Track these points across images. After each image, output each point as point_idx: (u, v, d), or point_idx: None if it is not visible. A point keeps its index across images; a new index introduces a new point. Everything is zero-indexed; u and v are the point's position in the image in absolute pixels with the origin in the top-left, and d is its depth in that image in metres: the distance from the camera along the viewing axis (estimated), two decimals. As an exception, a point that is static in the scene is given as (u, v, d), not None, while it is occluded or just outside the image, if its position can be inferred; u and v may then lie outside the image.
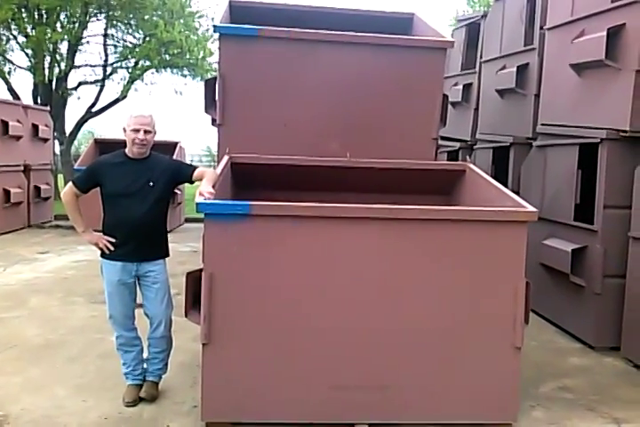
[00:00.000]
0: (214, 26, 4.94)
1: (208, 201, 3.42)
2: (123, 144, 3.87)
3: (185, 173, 3.87)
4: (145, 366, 4.02)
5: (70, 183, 3.84)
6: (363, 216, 3.44)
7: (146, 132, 3.73)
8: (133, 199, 3.72)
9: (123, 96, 17.25)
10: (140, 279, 3.85)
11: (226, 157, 4.51)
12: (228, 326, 3.46)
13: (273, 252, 3.46)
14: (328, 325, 3.51)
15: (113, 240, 3.74)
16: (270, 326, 3.49)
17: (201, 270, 3.48)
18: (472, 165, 4.74)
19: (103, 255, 3.80)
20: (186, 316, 3.67)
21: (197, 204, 3.37)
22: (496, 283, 3.54)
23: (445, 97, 5.28)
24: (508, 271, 3.54)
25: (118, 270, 3.76)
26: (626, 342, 4.95)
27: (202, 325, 3.44)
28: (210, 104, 5.20)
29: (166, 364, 4.08)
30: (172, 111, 22.41)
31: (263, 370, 3.50)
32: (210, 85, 5.19)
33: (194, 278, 3.58)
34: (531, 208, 3.58)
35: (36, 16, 15.15)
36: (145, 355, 4.04)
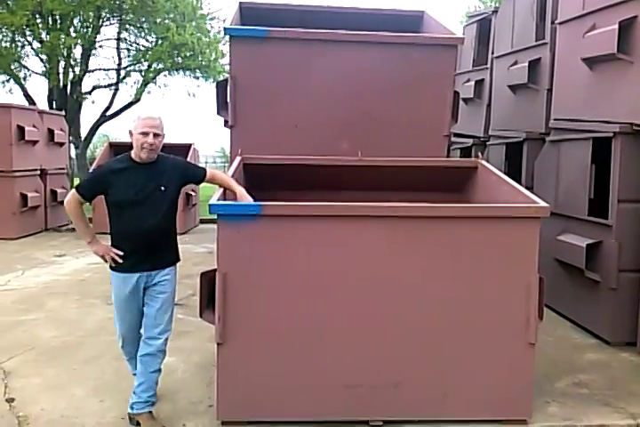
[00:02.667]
0: (224, 28, 4.98)
1: (220, 202, 3.45)
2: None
3: (196, 175, 3.71)
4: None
5: (73, 191, 3.55)
6: (374, 215, 3.45)
7: (155, 135, 3.45)
8: (144, 207, 3.46)
9: (136, 99, 17.41)
10: (146, 289, 3.60)
11: (238, 158, 4.54)
12: (243, 325, 3.49)
13: (285, 251, 3.49)
14: (341, 323, 3.52)
15: (121, 253, 3.49)
16: (284, 325, 3.51)
17: (215, 271, 3.51)
18: (484, 162, 4.72)
19: (112, 267, 3.57)
20: (200, 316, 3.69)
21: (210, 205, 3.41)
22: (509, 279, 3.54)
23: (457, 94, 5.28)
24: (520, 267, 3.54)
25: (129, 283, 3.52)
26: (643, 338, 4.91)
27: (216, 324, 3.47)
28: (222, 106, 5.23)
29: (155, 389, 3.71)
30: (185, 113, 22.48)
31: (278, 369, 3.52)
32: (221, 87, 5.22)
33: (208, 279, 3.61)
34: (543, 204, 3.57)
35: (50, 22, 15.35)
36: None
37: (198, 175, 3.74)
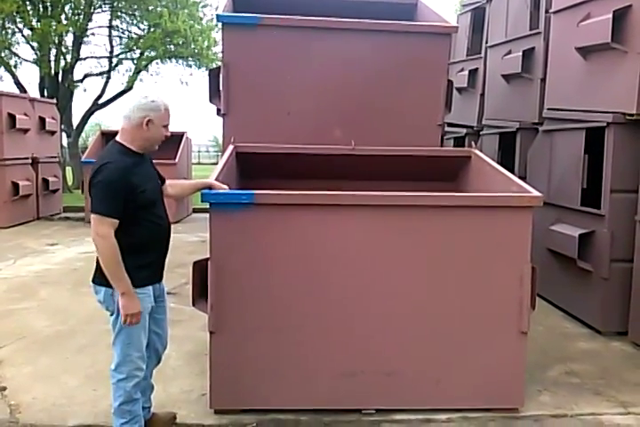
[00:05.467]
0: (217, 15, 4.94)
1: (212, 191, 3.43)
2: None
3: (161, 176, 3.30)
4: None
5: (107, 221, 2.83)
6: (367, 204, 3.45)
7: None
8: (159, 204, 3.14)
9: (129, 87, 17.29)
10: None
11: (230, 147, 4.52)
12: (235, 314, 3.49)
13: (278, 240, 3.48)
14: (334, 311, 3.53)
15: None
16: (276, 314, 3.51)
17: (207, 259, 3.50)
18: (477, 151, 4.72)
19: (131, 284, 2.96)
20: (193, 305, 3.68)
21: (202, 193, 3.39)
22: (502, 268, 3.54)
23: (450, 83, 5.26)
24: (513, 256, 3.54)
25: (150, 296, 3.08)
26: (633, 327, 4.94)
27: (209, 313, 3.47)
28: (214, 94, 5.19)
29: None
30: (177, 102, 22.35)
31: (270, 357, 3.53)
32: (214, 75, 5.18)
33: (200, 267, 3.59)
34: (536, 193, 3.57)
35: (41, 9, 15.18)
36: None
37: (162, 178, 3.31)
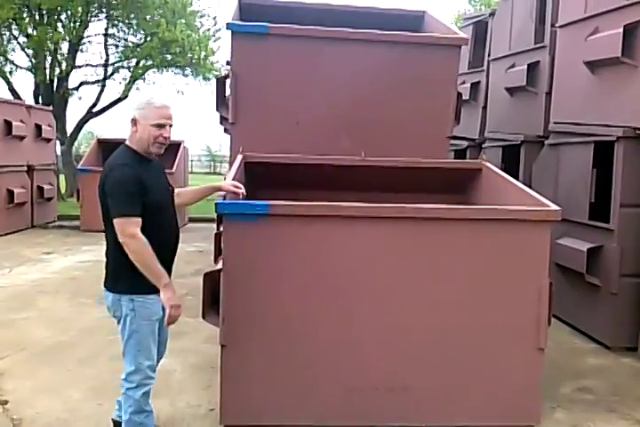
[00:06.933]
0: (227, 23, 4.88)
1: (226, 201, 3.36)
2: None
3: (170, 185, 3.27)
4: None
5: (132, 221, 2.80)
6: (386, 216, 3.39)
7: (170, 126, 3.01)
8: (169, 209, 3.10)
9: (124, 96, 17.19)
10: None
11: (239, 156, 4.45)
12: (248, 327, 3.40)
13: (292, 252, 3.41)
14: (348, 325, 3.45)
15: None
16: (290, 328, 3.43)
17: (219, 271, 3.42)
18: (488, 164, 4.68)
19: (137, 290, 2.93)
20: (203, 317, 3.60)
21: (217, 203, 3.32)
22: (520, 283, 3.49)
23: (460, 95, 5.23)
24: (531, 271, 3.49)
25: (159, 303, 2.97)
26: (644, 343, 4.90)
27: (221, 326, 3.38)
28: (221, 102, 5.15)
29: None
30: (173, 111, 22.27)
31: (283, 372, 3.44)
32: (221, 83, 5.14)
33: (212, 279, 3.52)
34: (554, 207, 3.52)
35: (37, 16, 15.10)
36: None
37: (171, 186, 3.27)
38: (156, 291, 2.94)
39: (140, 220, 2.83)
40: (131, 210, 2.81)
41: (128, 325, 2.95)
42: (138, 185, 2.84)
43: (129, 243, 2.80)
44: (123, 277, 2.94)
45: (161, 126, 2.94)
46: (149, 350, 3.01)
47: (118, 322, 3.02)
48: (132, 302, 2.94)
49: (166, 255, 3.05)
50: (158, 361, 3.26)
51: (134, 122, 2.95)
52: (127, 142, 3.03)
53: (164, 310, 3.00)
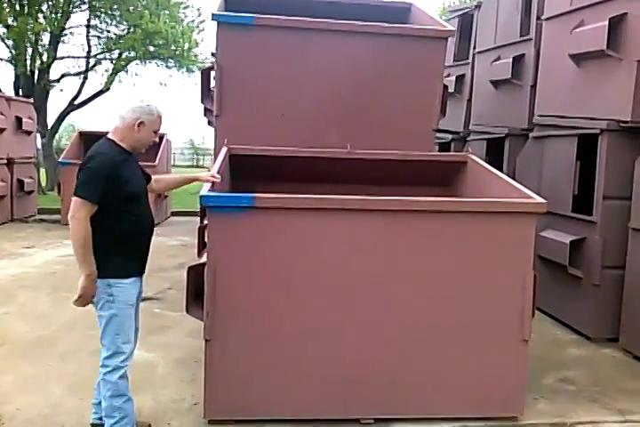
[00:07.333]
0: (212, 14, 4.82)
1: (211, 193, 3.32)
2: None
3: (147, 174, 3.43)
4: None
5: (87, 205, 2.92)
6: (370, 208, 3.36)
7: None
8: (144, 199, 3.25)
9: (106, 88, 17.01)
10: None
11: (224, 149, 4.41)
12: (232, 321, 3.37)
13: (277, 245, 3.38)
14: (334, 319, 3.43)
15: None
16: (275, 321, 3.40)
17: (203, 264, 3.38)
18: (473, 156, 4.68)
19: (115, 274, 3.05)
20: (187, 311, 3.57)
21: (201, 196, 3.28)
22: (505, 275, 3.49)
23: (446, 87, 5.22)
24: (516, 263, 3.49)
25: (135, 287, 3.15)
26: (625, 334, 4.93)
27: (205, 320, 3.35)
28: (206, 94, 5.09)
29: None
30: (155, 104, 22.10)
31: (268, 366, 3.42)
32: (205, 75, 5.09)
33: (196, 273, 3.49)
34: (540, 199, 3.52)
35: (18, 6, 14.83)
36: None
37: (147, 175, 3.43)
38: (130, 275, 3.10)
39: (94, 207, 2.94)
40: (89, 194, 2.93)
41: (107, 309, 3.05)
42: (110, 174, 2.96)
43: (73, 223, 2.94)
44: (99, 261, 3.01)
45: (157, 132, 3.25)
46: (127, 334, 3.11)
47: (96, 307, 3.10)
48: (111, 288, 3.04)
49: (141, 243, 3.19)
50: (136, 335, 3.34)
51: (141, 124, 3.13)
52: (110, 136, 3.16)
53: (140, 294, 3.23)
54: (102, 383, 3.11)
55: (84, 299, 3.02)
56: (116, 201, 3.00)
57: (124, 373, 3.10)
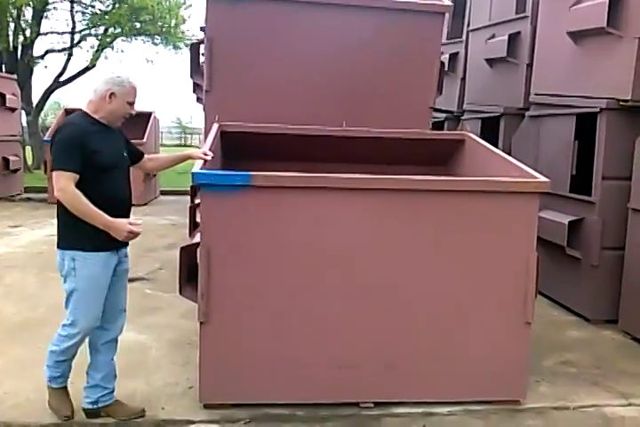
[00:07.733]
0: (202, -15, 4.65)
1: (204, 171, 3.20)
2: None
3: (135, 151, 3.42)
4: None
5: (65, 175, 2.90)
6: (372, 187, 3.25)
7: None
8: (118, 171, 3.17)
9: (92, 65, 16.70)
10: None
11: (215, 126, 4.27)
12: (227, 303, 3.27)
13: (273, 225, 3.27)
14: (331, 301, 3.34)
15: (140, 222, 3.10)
16: (270, 303, 3.30)
17: (196, 245, 3.27)
18: (471, 134, 4.58)
19: (85, 247, 3.01)
20: (180, 293, 3.46)
21: (194, 173, 3.15)
22: (507, 256, 3.41)
23: (442, 65, 5.09)
24: (519, 244, 3.42)
25: (111, 262, 3.11)
26: (624, 316, 4.89)
27: (199, 302, 3.24)
28: (195, 70, 4.93)
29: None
30: (142, 81, 21.72)
31: (264, 349, 3.32)
32: (195, 50, 4.93)
33: (189, 253, 3.38)
34: (543, 178, 3.43)
35: (-1, -21, 14.45)
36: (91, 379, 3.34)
37: (136, 152, 3.43)
38: (96, 249, 3.03)
39: (74, 175, 2.92)
40: (65, 164, 2.92)
41: (68, 282, 3.09)
42: (80, 142, 2.95)
43: (61, 196, 2.93)
44: (64, 233, 3.07)
45: (132, 104, 3.19)
46: (93, 309, 3.12)
47: (63, 279, 3.13)
48: (74, 261, 3.04)
49: (114, 211, 3.03)
50: (123, 310, 3.34)
51: (112, 95, 3.09)
52: (85, 108, 3.15)
53: (123, 272, 3.25)
54: (50, 347, 3.27)
55: (128, 235, 3.00)
56: (87, 171, 2.96)
57: (73, 344, 3.20)
